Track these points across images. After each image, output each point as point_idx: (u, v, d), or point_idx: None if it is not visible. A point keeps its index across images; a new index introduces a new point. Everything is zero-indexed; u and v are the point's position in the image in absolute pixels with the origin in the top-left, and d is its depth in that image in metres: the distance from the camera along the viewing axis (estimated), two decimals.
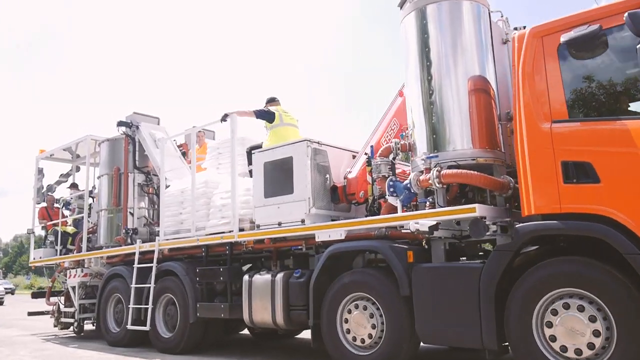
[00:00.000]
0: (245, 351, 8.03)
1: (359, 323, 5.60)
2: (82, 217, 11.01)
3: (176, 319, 7.73)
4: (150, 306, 7.88)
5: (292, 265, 7.18)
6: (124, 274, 8.71)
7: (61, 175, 12.30)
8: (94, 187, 11.62)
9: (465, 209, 4.93)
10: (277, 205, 6.55)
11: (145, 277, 8.31)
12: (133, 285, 8.25)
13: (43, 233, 11.59)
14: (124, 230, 9.07)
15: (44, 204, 11.80)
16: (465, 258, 5.66)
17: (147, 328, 7.83)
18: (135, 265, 8.35)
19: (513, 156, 5.22)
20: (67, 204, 11.92)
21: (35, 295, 11.80)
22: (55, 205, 11.78)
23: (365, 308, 5.57)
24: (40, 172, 11.72)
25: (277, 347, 8.52)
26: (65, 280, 10.43)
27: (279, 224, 6.49)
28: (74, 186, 12.13)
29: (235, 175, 7.18)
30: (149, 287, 8.10)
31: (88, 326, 10.41)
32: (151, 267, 8.23)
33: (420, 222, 4.98)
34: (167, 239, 8.05)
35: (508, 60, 5.92)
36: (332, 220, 6.40)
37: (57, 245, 10.99)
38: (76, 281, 9.80)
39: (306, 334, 9.46)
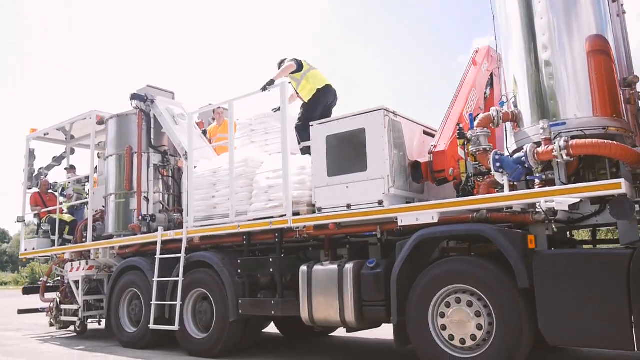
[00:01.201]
0: (284, 352, 7.11)
1: (460, 320, 4.76)
2: (82, 203, 9.90)
3: (210, 317, 6.74)
4: (179, 303, 6.85)
5: (347, 255, 6.31)
6: (142, 266, 7.64)
7: (54, 158, 11.03)
8: (95, 169, 10.50)
9: (609, 185, 4.15)
10: (345, 184, 5.65)
11: (167, 270, 7.28)
12: (155, 279, 7.20)
13: (35, 221, 10.32)
14: (140, 217, 7.98)
15: (36, 189, 10.52)
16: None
17: (175, 327, 6.80)
18: (158, 256, 7.30)
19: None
20: (61, 190, 10.70)
21: (27, 291, 10.54)
22: (49, 190, 10.51)
23: (470, 304, 4.73)
24: (31, 154, 10.45)
25: (318, 346, 7.63)
26: (65, 273, 9.26)
27: (348, 206, 5.60)
28: (71, 169, 10.91)
29: (287, 151, 6.23)
30: (175, 281, 7.07)
31: (91, 325, 9.28)
32: (176, 258, 7.21)
33: (557, 200, 4.16)
34: (197, 226, 7.03)
35: (622, 33, 5.21)
36: (407, 202, 5.56)
37: (53, 234, 9.78)
38: (80, 275, 8.65)
39: (340, 332, 8.61)
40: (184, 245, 7.02)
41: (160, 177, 8.45)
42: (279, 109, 7.73)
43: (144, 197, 8.29)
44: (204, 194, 7.16)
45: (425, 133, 6.15)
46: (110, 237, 8.44)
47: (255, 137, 7.68)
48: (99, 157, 11.32)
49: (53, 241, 9.76)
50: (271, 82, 6.94)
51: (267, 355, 6.92)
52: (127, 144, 8.47)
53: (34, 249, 9.83)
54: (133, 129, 8.53)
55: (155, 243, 7.72)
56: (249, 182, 6.77)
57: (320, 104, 7.29)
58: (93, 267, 8.68)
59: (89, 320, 9.04)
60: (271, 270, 6.22)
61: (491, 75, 6.61)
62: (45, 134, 10.35)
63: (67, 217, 9.99)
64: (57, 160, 11.02)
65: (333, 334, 8.60)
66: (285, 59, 7.64)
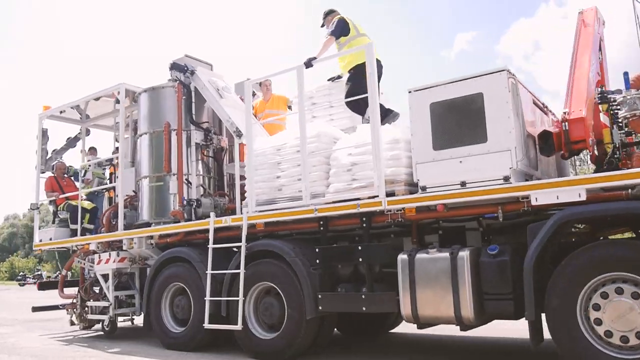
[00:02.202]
0: (363, 353, 6.31)
1: (621, 315, 4.02)
2: (104, 189, 8.93)
3: (278, 315, 5.90)
4: (241, 298, 5.96)
5: (439, 243, 5.53)
6: (189, 257, 6.73)
7: (68, 139, 9.98)
8: (116, 150, 9.53)
9: None
10: (457, 159, 4.84)
11: (219, 261, 6.39)
12: (209, 272, 6.30)
13: (51, 208, 9.28)
14: (184, 202, 7.06)
15: (51, 173, 9.47)
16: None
17: (238, 327, 5.92)
18: (211, 245, 6.40)
19: None
20: (75, 174, 9.68)
21: (43, 286, 9.47)
22: (65, 175, 9.48)
23: (636, 295, 3.98)
24: (44, 134, 9.40)
25: (380, 346, 6.85)
26: (86, 266, 8.28)
27: (462, 184, 4.80)
28: (91, 151, 9.89)
29: (377, 121, 5.39)
30: (233, 275, 6.20)
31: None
32: (233, 247, 6.36)
33: None
34: (261, 211, 6.15)
35: None
36: (526, 179, 4.79)
37: (73, 223, 8.78)
38: (110, 268, 7.69)
39: (401, 329, 7.86)
40: (244, 232, 6.13)
41: (201, 158, 7.53)
42: (338, 78, 6.95)
43: (186, 180, 7.37)
44: (266, 175, 6.28)
45: (533, 103, 5.39)
46: (146, 225, 7.50)
47: (317, 111, 6.85)
48: (116, 140, 10.47)
49: (73, 231, 8.78)
50: (311, 61, 6.17)
51: (341, 357, 6.12)
52: (163, 120, 7.53)
53: (50, 239, 8.81)
54: (170, 104, 7.59)
55: (202, 231, 6.86)
56: (324, 159, 5.93)
57: (364, 78, 6.48)
58: (125, 258, 7.73)
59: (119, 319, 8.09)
60: (360, 259, 5.39)
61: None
62: (61, 112, 9.31)
63: (87, 204, 8.98)
64: (72, 141, 9.98)
65: (394, 330, 7.82)
66: (333, 11, 6.77)
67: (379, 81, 6.58)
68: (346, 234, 6.19)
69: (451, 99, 4.95)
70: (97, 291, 8.26)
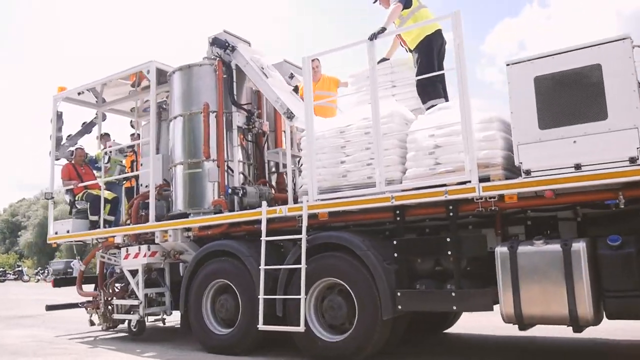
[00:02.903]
0: (426, 355, 5.75)
1: None
2: (125, 178, 8.25)
3: (343, 315, 5.31)
4: (303, 297, 5.34)
5: (525, 235, 5.00)
6: (237, 251, 6.09)
7: (83, 124, 9.24)
8: (136, 135, 8.86)
9: None
10: (570, 138, 4.29)
11: (270, 256, 5.77)
12: (263, 267, 5.67)
13: (67, 198, 8.54)
14: (228, 191, 6.42)
15: (66, 160, 8.73)
16: None
17: (300, 328, 5.30)
18: (264, 238, 5.76)
19: None
20: (92, 161, 8.96)
21: (58, 283, 8.71)
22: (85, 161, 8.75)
23: None
24: (59, 117, 8.65)
25: (447, 346, 6.30)
26: (115, 261, 7.60)
27: (577, 166, 4.24)
28: (105, 137, 9.17)
29: (467, 98, 4.80)
30: (289, 270, 5.59)
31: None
32: (292, 240, 5.76)
33: None
34: (322, 200, 5.54)
35: None
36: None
37: (93, 214, 8.06)
38: (140, 263, 7.01)
39: (454, 329, 7.32)
40: (304, 223, 5.51)
41: (241, 143, 6.88)
42: (384, 60, 6.39)
43: (227, 166, 6.73)
44: (327, 160, 5.68)
45: None
46: (181, 216, 6.82)
47: (378, 91, 6.22)
48: (132, 126, 9.77)
49: (93, 222, 8.07)
50: (382, 31, 5.53)
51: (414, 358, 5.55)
52: (200, 101, 6.86)
53: (68, 231, 8.07)
54: (208, 83, 6.93)
55: (248, 223, 6.24)
56: (397, 142, 5.34)
57: (433, 52, 5.93)
58: (156, 253, 7.05)
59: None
60: (449, 252, 4.82)
61: None
62: (79, 93, 8.56)
63: (108, 194, 8.27)
64: (87, 127, 9.25)
65: (447, 330, 7.29)
66: None
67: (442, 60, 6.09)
68: (413, 225, 5.61)
69: (561, 72, 4.38)
70: (123, 288, 7.56)
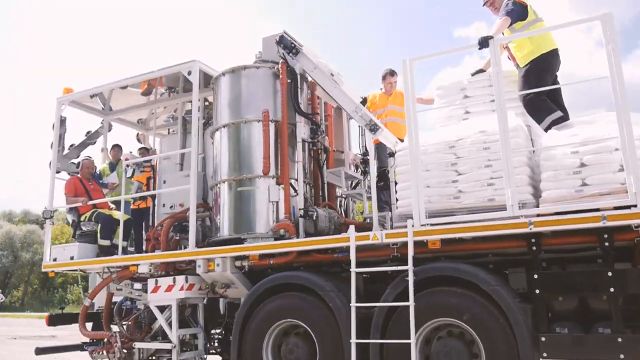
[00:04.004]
0: None
1: None
2: (142, 195, 7.09)
3: None
4: (413, 341, 4.40)
5: None
6: (314, 284, 5.09)
7: (88, 133, 7.96)
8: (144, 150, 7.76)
9: None
10: None
11: (348, 291, 4.82)
12: (355, 304, 4.69)
13: (70, 218, 7.18)
14: (300, 213, 5.44)
15: (67, 174, 7.42)
16: None
17: None
18: (353, 269, 4.80)
19: None
20: (97, 177, 7.71)
21: (54, 321, 7.16)
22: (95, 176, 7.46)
23: None
24: (63, 123, 7.36)
25: None
26: (138, 295, 6.33)
27: None
28: (115, 149, 8.00)
29: (625, 110, 4.15)
30: (386, 309, 4.66)
31: None
32: (386, 272, 4.85)
33: None
34: (431, 225, 4.68)
35: None
36: None
37: (103, 239, 6.79)
38: (174, 297, 5.81)
39: None
40: (410, 252, 4.61)
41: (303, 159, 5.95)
42: (480, 71, 5.74)
43: (292, 184, 5.76)
44: (434, 178, 4.87)
45: None
46: (228, 241, 5.74)
47: (474, 106, 5.52)
48: (138, 140, 8.64)
49: (104, 248, 6.79)
50: (486, 40, 4.85)
51: None
52: (256, 108, 5.91)
53: (72, 258, 6.70)
54: (266, 88, 6.02)
55: (321, 251, 5.28)
56: (525, 160, 4.62)
57: (548, 72, 5.33)
58: (194, 285, 5.89)
59: None
60: (612, 289, 4.05)
61: None
62: (92, 96, 7.34)
63: (119, 215, 7.03)
64: (92, 136, 7.98)
65: None
66: None
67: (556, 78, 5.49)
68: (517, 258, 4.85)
69: None
70: (145, 328, 6.28)
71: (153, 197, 7.11)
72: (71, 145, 7.62)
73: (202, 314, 6.13)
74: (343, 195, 6.83)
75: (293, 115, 5.93)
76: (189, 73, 6.36)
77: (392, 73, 6.62)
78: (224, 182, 5.93)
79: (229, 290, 5.83)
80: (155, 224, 6.83)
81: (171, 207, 6.78)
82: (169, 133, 8.17)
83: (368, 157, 6.96)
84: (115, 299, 6.77)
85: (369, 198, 6.54)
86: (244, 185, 5.80)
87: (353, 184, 7.07)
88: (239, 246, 5.54)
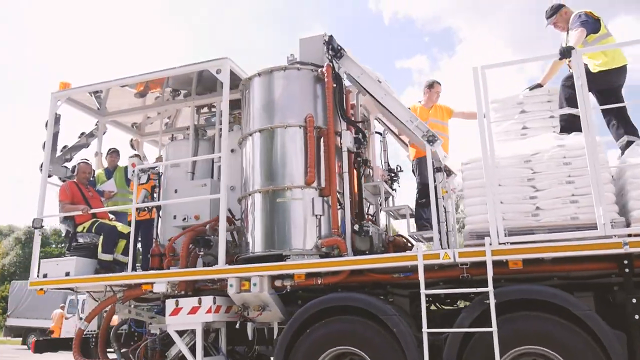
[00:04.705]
0: None
1: None
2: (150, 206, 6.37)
3: None
4: None
5: None
6: (374, 307, 4.59)
7: (82, 134, 7.13)
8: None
9: None
10: None
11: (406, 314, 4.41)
12: (427, 330, 4.24)
13: (63, 228, 6.31)
14: (355, 227, 4.96)
15: (58, 178, 6.56)
16: None
17: None
18: (423, 290, 4.36)
19: None
20: (91, 183, 6.88)
21: (40, 348, 6.09)
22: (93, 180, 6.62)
23: None
24: (57, 121, 6.52)
25: None
26: (151, 317, 5.56)
27: None
28: (113, 155, 7.19)
29: None
30: (463, 336, 4.24)
31: None
32: (461, 293, 4.46)
33: None
34: (511, 243, 4.34)
35: None
36: None
37: (105, 252, 5.98)
38: (199, 321, 5.12)
39: None
40: (490, 273, 4.23)
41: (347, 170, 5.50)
42: (538, 86, 5.57)
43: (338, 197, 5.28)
44: (509, 194, 4.54)
45: None
46: (260, 259, 5.15)
47: (532, 121, 5.30)
48: (132, 146, 7.91)
49: (105, 263, 5.98)
50: (569, 51, 4.68)
51: None
52: (297, 112, 5.43)
53: (67, 274, 5.82)
54: (308, 92, 5.57)
55: (376, 271, 4.81)
56: (609, 177, 4.40)
57: (616, 88, 5.22)
58: (220, 307, 5.23)
59: None
60: None
61: None
62: (94, 93, 6.58)
63: (122, 227, 6.26)
64: (86, 137, 7.15)
65: None
66: (563, 6, 5.45)
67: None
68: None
69: None
70: (154, 356, 5.51)
71: (158, 208, 6.39)
72: (64, 147, 6.78)
73: (225, 339, 5.46)
74: (381, 211, 6.39)
75: (338, 123, 5.49)
76: (218, 71, 5.78)
77: (439, 83, 6.33)
78: (257, 193, 5.36)
79: (263, 315, 5.20)
80: (160, 238, 6.15)
81: (184, 219, 6.10)
82: (172, 139, 7.47)
83: (395, 173, 6.64)
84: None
85: (411, 215, 6.20)
86: (283, 196, 5.25)
87: (380, 200, 6.66)
88: (283, 263, 4.96)
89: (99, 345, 5.96)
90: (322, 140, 5.34)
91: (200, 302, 5.17)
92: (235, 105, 6.84)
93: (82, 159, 6.63)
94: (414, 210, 6.16)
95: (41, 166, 6.32)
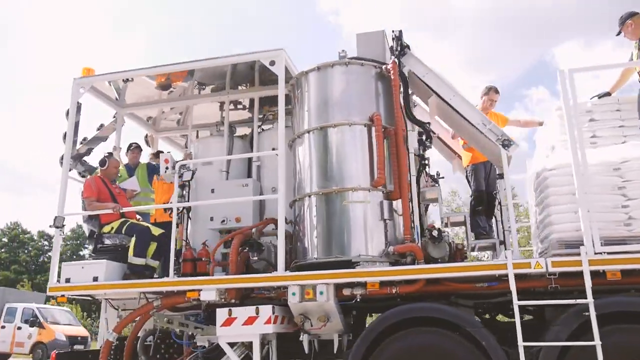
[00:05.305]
0: None
1: None
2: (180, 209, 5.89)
3: None
4: None
5: None
6: (460, 318, 4.31)
7: (101, 126, 6.51)
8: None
9: None
10: None
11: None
12: (523, 344, 4.00)
13: (86, 228, 5.69)
14: (435, 233, 4.65)
15: (81, 173, 5.94)
16: None
17: None
18: (516, 301, 4.13)
19: None
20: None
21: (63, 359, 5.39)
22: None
23: None
24: (79, 110, 5.91)
25: None
26: (196, 328, 5.04)
27: None
28: (135, 151, 6.67)
29: None
30: (560, 349, 4.03)
31: None
32: (553, 305, 4.24)
33: None
34: (608, 253, 4.17)
35: None
36: None
37: (137, 256, 5.42)
38: (257, 332, 4.67)
39: None
40: (588, 283, 4.05)
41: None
42: (607, 94, 5.51)
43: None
44: (600, 202, 4.39)
45: None
46: (320, 265, 4.77)
47: (602, 130, 5.20)
48: (147, 142, 7.40)
49: (139, 268, 5.41)
50: None
51: None
52: (362, 110, 5.12)
53: (95, 278, 5.21)
54: (370, 89, 5.26)
55: (454, 279, 4.53)
56: None
57: None
58: (278, 317, 4.80)
59: None
60: None
61: None
62: (126, 80, 6.04)
63: (154, 229, 5.71)
64: (105, 131, 6.54)
65: None
66: (637, 13, 5.41)
67: None
68: None
69: None
70: None
71: (187, 209, 5.88)
72: (84, 139, 6.16)
73: (276, 353, 5.02)
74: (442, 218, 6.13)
75: (404, 123, 5.21)
76: (272, 63, 5.39)
77: (497, 90, 6.17)
78: (316, 195, 4.99)
79: (324, 326, 4.80)
80: (190, 240, 5.67)
81: (223, 221, 5.63)
82: (197, 137, 6.96)
83: (435, 179, 6.41)
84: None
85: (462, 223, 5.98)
86: (348, 199, 4.89)
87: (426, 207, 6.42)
88: (355, 271, 4.59)
89: (125, 357, 5.37)
90: (386, 140, 5.03)
91: (257, 311, 4.72)
92: (270, 101, 6.48)
93: (107, 153, 6.03)
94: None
95: (61, 159, 5.69)
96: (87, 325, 29.08)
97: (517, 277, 4.38)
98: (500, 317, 5.24)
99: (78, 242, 54.23)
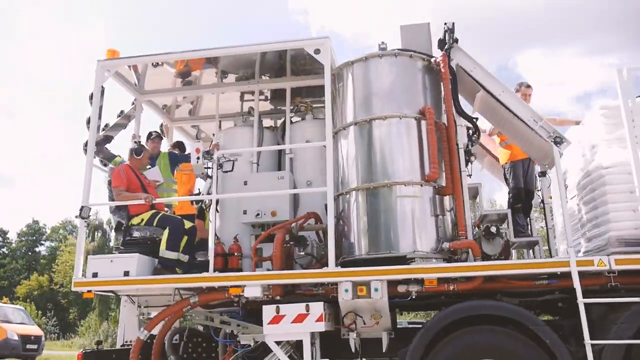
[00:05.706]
0: None
1: None
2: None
3: None
4: None
5: None
6: (523, 316, 4.24)
7: (121, 113, 6.16)
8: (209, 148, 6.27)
9: None
10: None
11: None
12: (590, 342, 3.97)
13: (113, 219, 5.35)
14: (493, 229, 4.57)
15: (103, 160, 5.60)
16: None
17: None
18: (580, 299, 4.09)
19: None
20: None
21: (89, 358, 4.97)
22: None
23: None
24: (102, 94, 5.56)
25: None
26: (239, 326, 4.80)
27: None
28: (155, 141, 6.31)
29: None
30: (626, 347, 4.02)
31: None
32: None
33: None
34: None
35: None
36: None
37: (169, 249, 5.13)
38: (308, 330, 4.49)
39: None
40: None
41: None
42: None
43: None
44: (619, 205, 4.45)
45: None
46: (366, 262, 4.63)
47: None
48: (162, 131, 7.10)
49: (172, 262, 5.13)
50: None
51: None
52: (410, 103, 5.00)
53: (126, 273, 4.89)
54: (419, 82, 5.14)
55: (507, 277, 4.48)
56: None
57: None
58: (329, 314, 4.63)
59: None
60: None
61: None
62: (155, 64, 5.70)
63: (186, 222, 5.43)
64: (124, 118, 6.19)
65: None
66: None
67: None
68: None
69: None
70: None
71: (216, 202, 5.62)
72: (106, 125, 5.82)
73: (319, 352, 4.83)
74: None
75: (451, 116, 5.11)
76: (317, 51, 5.19)
77: (529, 85, 6.13)
78: (366, 189, 4.83)
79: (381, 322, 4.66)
80: (219, 234, 5.44)
81: (257, 215, 5.40)
82: (219, 128, 6.68)
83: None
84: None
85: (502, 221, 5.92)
86: (399, 193, 4.76)
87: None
88: (412, 267, 4.46)
89: (153, 357, 5.08)
90: (437, 134, 4.93)
91: (308, 309, 4.53)
92: (301, 92, 6.30)
93: (136, 141, 5.70)
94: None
95: (85, 145, 5.34)
96: (42, 324, 27.83)
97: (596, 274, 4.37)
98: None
99: (34, 238, 52.08)
